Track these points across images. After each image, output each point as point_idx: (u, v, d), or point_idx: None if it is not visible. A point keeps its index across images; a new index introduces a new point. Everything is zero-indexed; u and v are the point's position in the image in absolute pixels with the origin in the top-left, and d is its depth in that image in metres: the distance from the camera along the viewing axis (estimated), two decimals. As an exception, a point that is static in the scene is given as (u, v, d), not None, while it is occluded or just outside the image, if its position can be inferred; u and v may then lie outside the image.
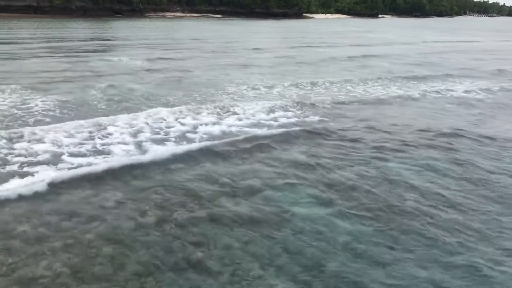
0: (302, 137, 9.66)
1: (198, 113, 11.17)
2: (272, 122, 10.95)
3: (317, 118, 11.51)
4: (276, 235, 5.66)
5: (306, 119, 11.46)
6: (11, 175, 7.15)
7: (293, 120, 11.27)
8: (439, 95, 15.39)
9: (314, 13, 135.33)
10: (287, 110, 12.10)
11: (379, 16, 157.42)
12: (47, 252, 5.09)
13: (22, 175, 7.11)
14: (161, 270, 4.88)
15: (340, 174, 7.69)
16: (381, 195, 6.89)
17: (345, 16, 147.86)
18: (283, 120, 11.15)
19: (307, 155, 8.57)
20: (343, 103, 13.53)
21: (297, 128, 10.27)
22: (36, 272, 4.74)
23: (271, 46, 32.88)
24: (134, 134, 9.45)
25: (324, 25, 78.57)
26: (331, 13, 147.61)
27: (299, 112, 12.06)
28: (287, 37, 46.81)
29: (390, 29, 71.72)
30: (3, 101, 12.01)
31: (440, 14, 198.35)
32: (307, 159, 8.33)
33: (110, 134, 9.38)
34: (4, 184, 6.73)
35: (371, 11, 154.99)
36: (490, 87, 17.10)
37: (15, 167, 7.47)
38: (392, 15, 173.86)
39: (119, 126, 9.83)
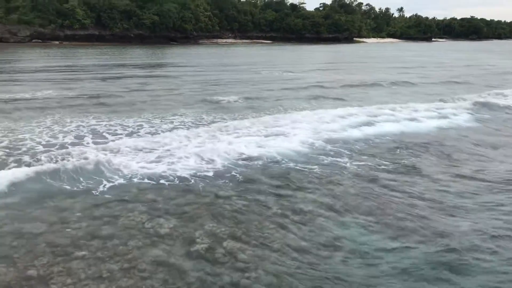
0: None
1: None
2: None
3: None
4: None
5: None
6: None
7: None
8: None
9: (365, 37, 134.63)
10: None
11: (433, 40, 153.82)
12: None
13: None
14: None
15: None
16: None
17: (397, 40, 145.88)
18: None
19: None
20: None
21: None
22: None
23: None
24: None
25: (376, 48, 77.31)
26: (382, 37, 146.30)
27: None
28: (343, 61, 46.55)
29: (445, 53, 69.43)
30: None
31: (499, 37, 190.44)
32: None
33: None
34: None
35: (424, 35, 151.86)
36: None
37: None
38: (446, 38, 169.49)
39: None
